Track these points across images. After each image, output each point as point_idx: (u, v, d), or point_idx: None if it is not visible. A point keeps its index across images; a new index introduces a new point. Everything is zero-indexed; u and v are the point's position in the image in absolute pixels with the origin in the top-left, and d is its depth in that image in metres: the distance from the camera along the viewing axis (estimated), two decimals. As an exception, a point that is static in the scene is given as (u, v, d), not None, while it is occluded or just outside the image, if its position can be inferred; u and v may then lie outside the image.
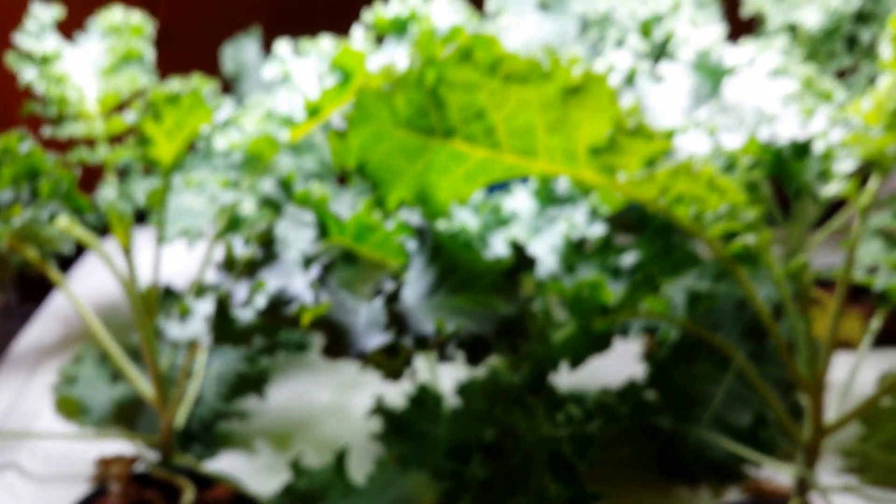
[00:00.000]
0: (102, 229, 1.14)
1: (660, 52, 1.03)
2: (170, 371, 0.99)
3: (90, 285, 1.55)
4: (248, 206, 1.03)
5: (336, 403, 1.24)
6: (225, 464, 1.09)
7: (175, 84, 0.86)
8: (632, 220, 1.14)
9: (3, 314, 1.77)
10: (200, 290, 0.96)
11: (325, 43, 0.96)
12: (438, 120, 0.72)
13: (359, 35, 0.93)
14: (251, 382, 1.15)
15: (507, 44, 1.13)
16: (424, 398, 1.05)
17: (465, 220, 0.99)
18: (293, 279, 0.70)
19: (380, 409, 1.04)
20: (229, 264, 0.71)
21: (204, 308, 0.73)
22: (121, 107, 1.01)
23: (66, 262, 1.64)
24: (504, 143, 0.74)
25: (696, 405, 1.05)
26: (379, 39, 0.96)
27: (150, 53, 1.05)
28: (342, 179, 1.26)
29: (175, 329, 0.75)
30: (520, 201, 1.03)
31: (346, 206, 1.10)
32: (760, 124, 0.90)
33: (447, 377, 1.16)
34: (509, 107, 0.71)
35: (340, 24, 1.08)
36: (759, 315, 0.88)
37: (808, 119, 0.90)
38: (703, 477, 1.04)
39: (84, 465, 1.07)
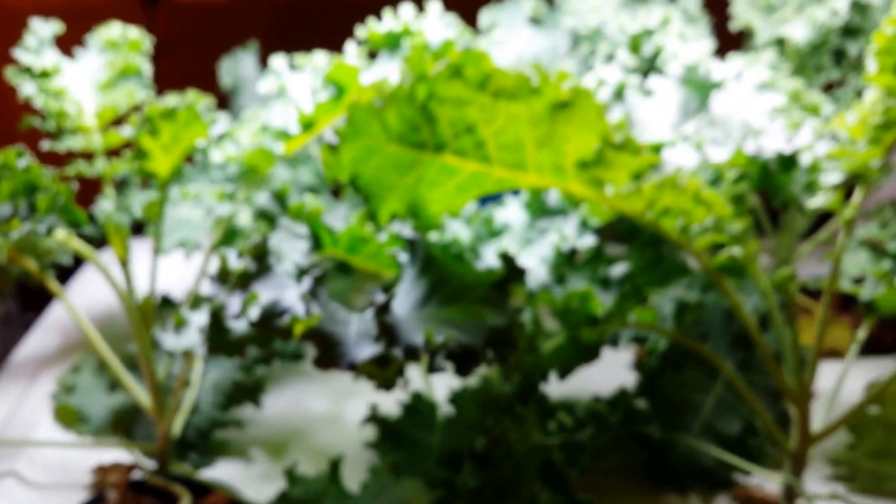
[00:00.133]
0: (101, 241, 1.16)
1: (649, 66, 1.04)
2: (166, 380, 1.00)
3: (89, 296, 1.56)
4: (244, 218, 1.04)
5: (331, 412, 1.25)
6: (221, 472, 1.10)
7: (171, 99, 0.88)
8: (623, 230, 1.15)
9: (4, 323, 1.78)
10: (196, 301, 0.98)
11: (320, 58, 0.97)
12: (429, 134, 0.73)
13: (352, 50, 0.95)
14: (247, 391, 1.16)
15: (500, 58, 1.15)
16: (418, 407, 1.06)
17: (457, 231, 1.00)
18: (286, 291, 0.71)
19: (374, 418, 1.06)
20: (223, 277, 0.73)
21: (199, 319, 0.75)
22: (119, 121, 1.02)
23: (66, 273, 1.66)
24: (494, 157, 0.76)
25: (685, 413, 1.07)
26: (373, 54, 0.98)
27: (147, 68, 1.06)
28: (337, 191, 1.28)
29: (171, 340, 0.77)
30: (511, 213, 1.04)
31: (341, 218, 1.12)
32: (747, 137, 0.91)
33: (442, 385, 1.18)
34: (499, 122, 0.73)
35: (339, 39, 1.10)
36: (746, 325, 0.90)
37: (795, 132, 0.91)
38: (693, 484, 1.05)
39: (82, 472, 1.08)
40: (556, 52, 1.19)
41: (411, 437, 1.04)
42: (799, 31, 1.11)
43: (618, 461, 1.10)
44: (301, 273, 0.75)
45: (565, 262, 1.01)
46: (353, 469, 1.08)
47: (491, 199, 0.95)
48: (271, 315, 0.68)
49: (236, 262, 0.73)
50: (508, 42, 1.18)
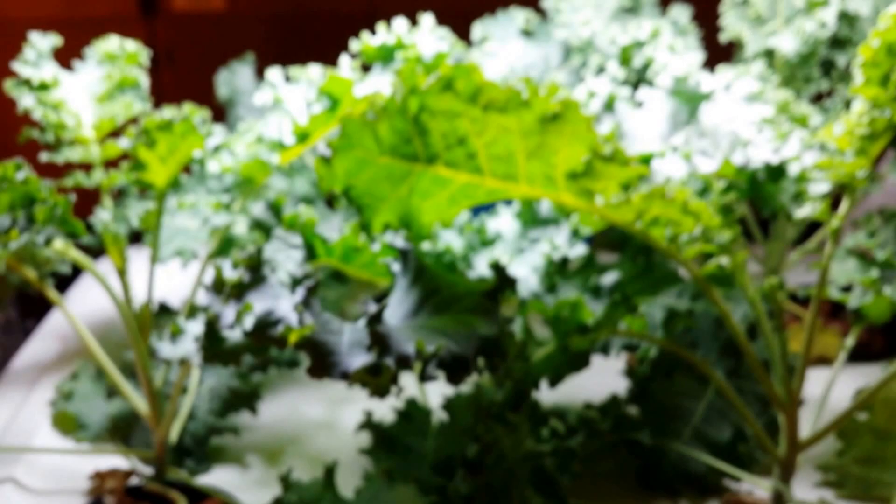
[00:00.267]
0: (99, 250, 1.17)
1: (640, 78, 1.06)
2: (164, 387, 1.02)
3: (87, 304, 1.57)
4: (241, 228, 1.05)
5: (326, 419, 1.26)
6: (217, 478, 1.11)
7: (168, 111, 0.89)
8: (616, 237, 1.16)
9: (5, 330, 1.79)
10: (192, 310, 0.99)
11: (314, 70, 0.99)
12: (421, 146, 0.74)
13: (346, 63, 0.96)
14: (243, 398, 1.18)
15: (493, 70, 1.16)
16: (413, 413, 1.07)
17: (449, 241, 1.02)
18: (280, 301, 0.72)
19: (369, 424, 1.07)
20: (218, 287, 0.74)
21: (194, 328, 0.76)
22: (116, 132, 1.04)
23: (66, 280, 1.67)
24: (486, 168, 0.77)
25: (676, 420, 1.08)
26: (367, 67, 0.99)
27: (144, 80, 1.08)
28: (331, 201, 1.29)
29: (167, 348, 0.78)
30: (504, 223, 1.05)
31: (335, 228, 1.13)
32: (735, 148, 0.92)
33: (437, 391, 1.19)
34: (490, 134, 0.74)
35: (338, 46, 1.11)
36: (734, 333, 0.91)
37: (782, 143, 0.92)
38: (684, 490, 1.06)
39: (80, 479, 1.09)
40: (549, 64, 1.20)
41: (405, 444, 1.05)
42: (788, 43, 1.13)
43: (609, 467, 1.11)
44: (295, 283, 0.76)
45: (557, 270, 1.02)
46: (348, 475, 1.09)
47: (484, 208, 0.96)
48: (265, 325, 0.70)
49: (231, 273, 0.75)
50: (501, 54, 1.19)
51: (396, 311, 0.79)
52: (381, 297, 0.81)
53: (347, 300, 1.11)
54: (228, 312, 0.72)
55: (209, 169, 1.00)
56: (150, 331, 0.98)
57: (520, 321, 1.03)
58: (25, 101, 1.00)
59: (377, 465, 1.03)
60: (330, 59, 1.00)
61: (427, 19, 0.98)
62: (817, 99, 1.23)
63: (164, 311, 1.27)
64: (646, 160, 0.91)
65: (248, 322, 0.70)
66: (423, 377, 0.70)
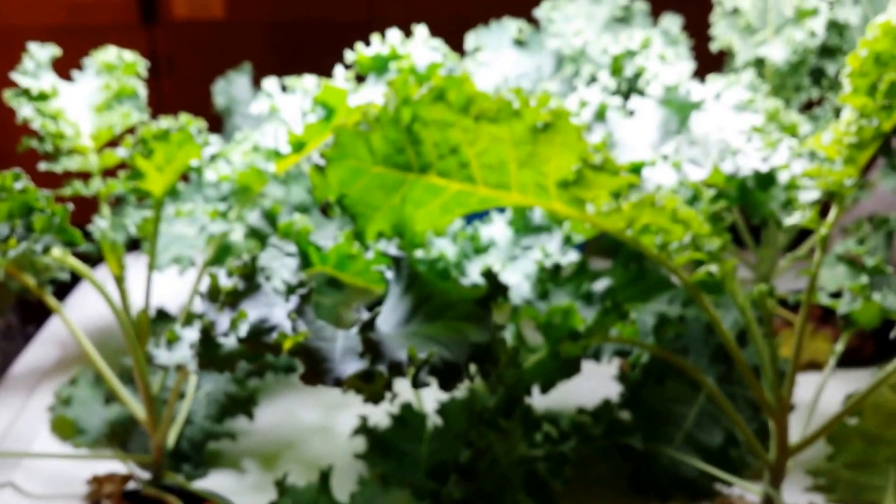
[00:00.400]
0: (98, 257, 1.19)
1: (631, 87, 1.07)
2: (161, 393, 1.03)
3: (86, 310, 1.58)
4: (237, 236, 1.07)
5: (322, 423, 1.27)
6: (214, 483, 1.12)
7: (165, 121, 0.90)
8: (608, 244, 1.18)
9: (5, 336, 1.80)
10: (189, 317, 1.01)
11: (310, 80, 1.00)
12: (414, 156, 0.76)
13: (341, 73, 0.97)
14: (240, 404, 1.19)
15: (486, 80, 1.17)
16: (408, 418, 1.08)
17: (443, 248, 1.03)
18: (274, 308, 0.73)
19: (364, 429, 1.08)
20: (214, 294, 0.75)
21: (190, 335, 0.77)
22: (114, 141, 1.05)
23: (65, 287, 1.68)
24: (478, 177, 0.78)
25: (668, 425, 1.09)
26: (362, 77, 1.00)
27: (142, 90, 1.09)
28: (326, 210, 1.30)
29: (163, 355, 0.79)
30: (497, 230, 1.07)
31: (330, 236, 1.14)
32: (725, 157, 0.93)
33: (432, 396, 1.20)
34: (482, 143, 0.75)
35: (333, 54, 1.12)
36: (725, 340, 0.92)
37: (771, 151, 0.93)
38: (675, 495, 1.07)
39: (78, 483, 1.10)
40: (541, 74, 1.22)
41: (400, 448, 1.06)
42: (778, 52, 1.14)
43: (601, 472, 1.12)
44: (290, 290, 0.77)
45: (549, 277, 1.03)
46: (343, 479, 1.10)
47: (477, 215, 0.97)
48: (259, 332, 0.71)
49: (226, 281, 0.76)
50: (494, 64, 1.21)
51: (389, 318, 0.80)
52: (375, 305, 0.82)
53: (342, 307, 1.12)
54: (223, 320, 0.73)
55: (206, 177, 1.02)
56: (148, 337, 0.99)
57: (512, 328, 1.04)
58: (24, 111, 1.01)
59: (372, 470, 1.04)
60: (329, 67, 1.01)
61: (421, 30, 0.99)
62: (807, 107, 1.25)
63: (162, 317, 1.28)
64: (636, 169, 0.92)
65: (243, 329, 0.71)
66: (416, 384, 0.71)
